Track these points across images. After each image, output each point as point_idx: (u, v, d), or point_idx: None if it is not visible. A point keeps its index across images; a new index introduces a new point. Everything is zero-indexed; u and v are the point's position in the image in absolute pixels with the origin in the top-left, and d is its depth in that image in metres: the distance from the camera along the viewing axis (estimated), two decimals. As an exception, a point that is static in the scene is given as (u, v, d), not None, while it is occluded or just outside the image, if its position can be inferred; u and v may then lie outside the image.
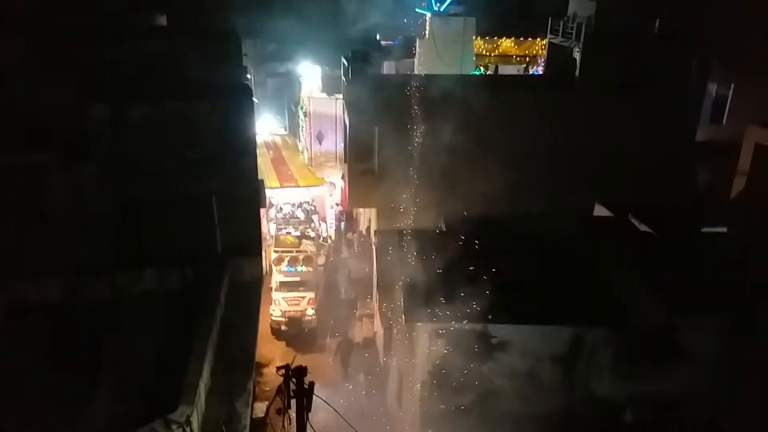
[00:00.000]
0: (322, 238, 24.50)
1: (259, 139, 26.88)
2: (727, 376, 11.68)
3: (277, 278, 20.51)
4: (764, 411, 11.31)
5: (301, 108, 29.84)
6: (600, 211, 17.44)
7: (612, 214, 16.74)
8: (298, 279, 20.47)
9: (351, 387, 16.99)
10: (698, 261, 13.26)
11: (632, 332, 11.83)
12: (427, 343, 12.04)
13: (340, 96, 24.24)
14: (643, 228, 15.28)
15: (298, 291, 20.30)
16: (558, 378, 12.24)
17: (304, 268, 20.70)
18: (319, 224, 25.10)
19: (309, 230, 22.58)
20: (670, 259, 13.38)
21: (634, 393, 11.88)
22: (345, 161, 22.16)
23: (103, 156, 12.98)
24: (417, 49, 26.80)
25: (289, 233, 22.21)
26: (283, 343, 20.04)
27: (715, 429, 11.60)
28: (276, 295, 20.28)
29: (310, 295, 20.40)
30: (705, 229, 15.99)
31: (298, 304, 20.26)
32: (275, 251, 21.37)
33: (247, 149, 14.18)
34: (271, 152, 30.92)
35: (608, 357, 12.03)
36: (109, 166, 13.03)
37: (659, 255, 13.83)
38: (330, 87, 28.06)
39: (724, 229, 16.01)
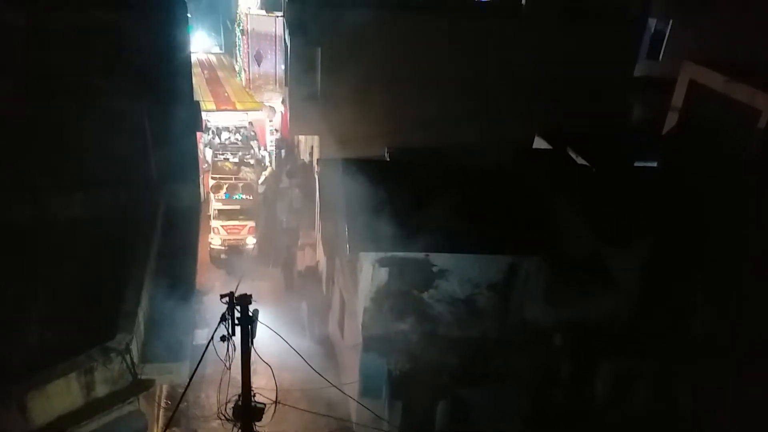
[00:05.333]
0: (262, 166, 23.90)
1: (193, 58, 25.41)
2: (648, 301, 12.54)
3: (215, 206, 19.99)
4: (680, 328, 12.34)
5: (239, 25, 28.20)
6: (540, 143, 17.74)
7: (551, 147, 17.07)
8: (237, 207, 20.03)
9: (294, 314, 17.15)
10: (629, 194, 13.82)
11: (563, 261, 12.38)
12: (370, 272, 12.17)
13: (281, 14, 22.99)
14: (580, 161, 15.70)
15: (238, 219, 19.92)
16: (494, 304, 12.76)
17: (243, 196, 20.23)
18: (259, 150, 24.40)
19: (248, 157, 21.91)
20: (603, 191, 13.90)
21: (564, 319, 12.58)
22: (286, 84, 21.33)
23: (20, 67, 11.87)
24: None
25: (228, 159, 21.49)
26: (223, 272, 19.81)
27: (634, 349, 12.55)
28: (215, 223, 19.84)
29: (251, 223, 20.08)
30: (638, 163, 16.61)
31: (239, 233, 19.93)
32: (213, 178, 20.72)
33: (182, 67, 13.36)
34: (206, 72, 29.42)
35: (541, 285, 12.60)
36: (29, 78, 11.94)
37: (593, 187, 14.33)
38: (270, 3, 26.55)
39: (655, 164, 16.70)
